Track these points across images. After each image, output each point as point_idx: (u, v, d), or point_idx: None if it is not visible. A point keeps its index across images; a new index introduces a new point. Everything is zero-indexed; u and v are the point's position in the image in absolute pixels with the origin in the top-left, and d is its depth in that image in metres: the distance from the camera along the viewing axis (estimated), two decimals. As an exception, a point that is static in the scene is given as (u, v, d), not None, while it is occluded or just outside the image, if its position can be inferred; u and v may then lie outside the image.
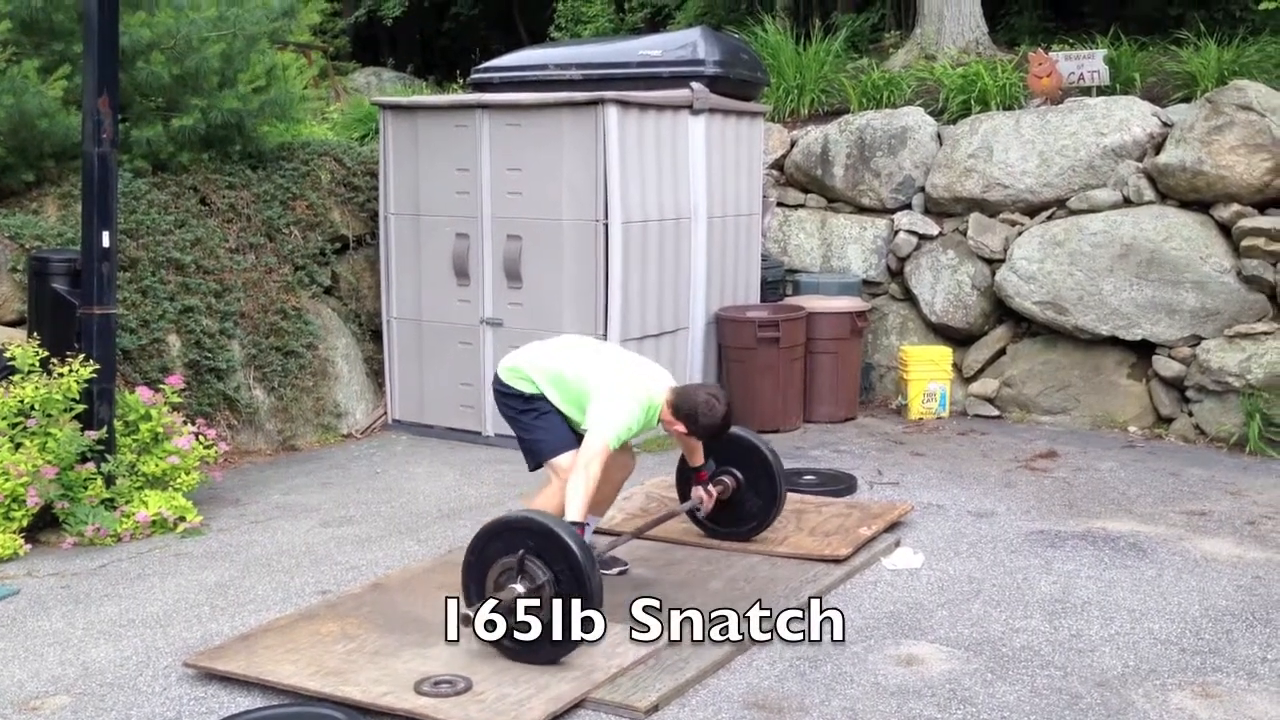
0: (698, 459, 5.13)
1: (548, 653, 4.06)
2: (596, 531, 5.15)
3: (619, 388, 4.61)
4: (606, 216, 7.04)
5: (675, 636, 4.33)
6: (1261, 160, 7.30)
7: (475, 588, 4.15)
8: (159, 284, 6.83)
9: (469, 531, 5.71)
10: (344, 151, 8.41)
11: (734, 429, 5.44)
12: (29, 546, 5.45)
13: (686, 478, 5.29)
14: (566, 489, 4.41)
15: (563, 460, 4.70)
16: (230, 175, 7.60)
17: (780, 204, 9.27)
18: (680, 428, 4.70)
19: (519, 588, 4.00)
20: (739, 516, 5.37)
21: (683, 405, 4.66)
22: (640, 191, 7.21)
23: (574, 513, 4.30)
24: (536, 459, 4.84)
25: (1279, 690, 4.04)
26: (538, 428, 4.78)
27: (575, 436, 4.75)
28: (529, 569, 4.01)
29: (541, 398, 4.77)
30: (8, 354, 5.67)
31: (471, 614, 3.97)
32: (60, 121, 6.60)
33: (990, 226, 8.35)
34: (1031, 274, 7.96)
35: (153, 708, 3.93)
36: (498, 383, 4.91)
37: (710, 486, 5.16)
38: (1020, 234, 8.18)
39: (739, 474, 5.30)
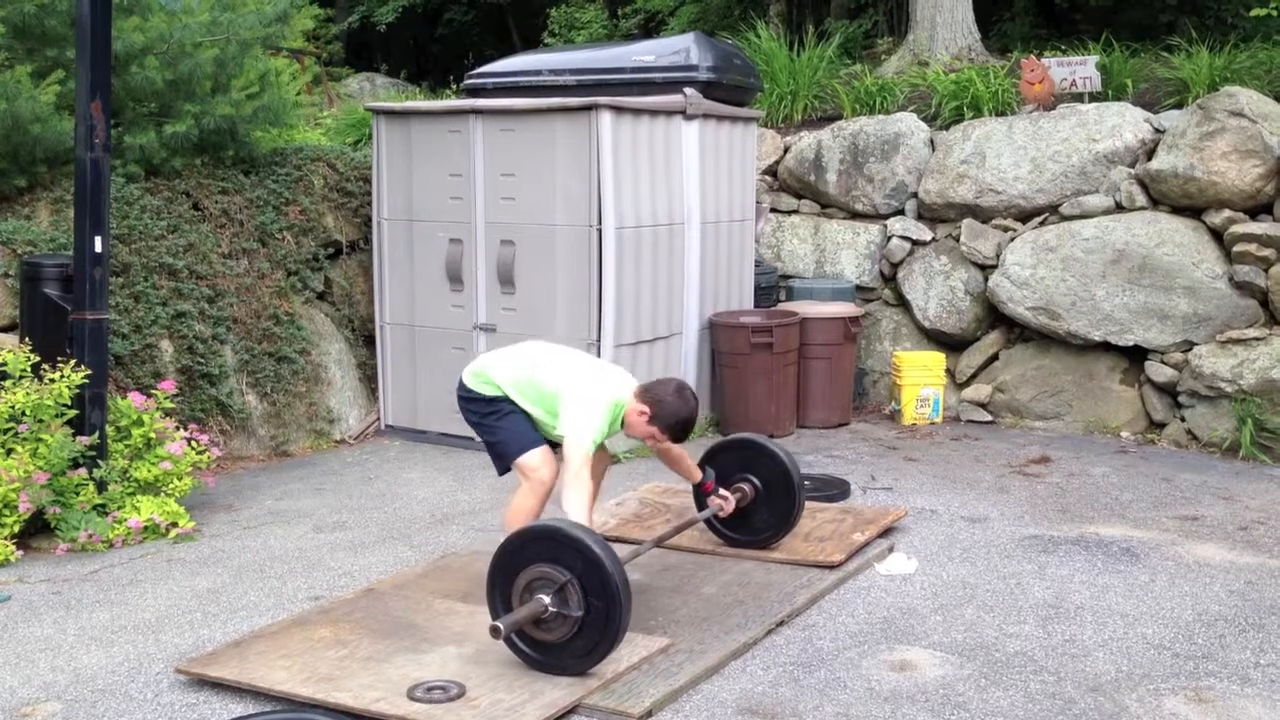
0: (694, 475, 5.15)
1: (576, 662, 4.05)
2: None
3: (587, 391, 4.63)
4: (600, 222, 7.05)
5: (669, 641, 4.33)
6: (1253, 166, 7.33)
7: (502, 587, 4.11)
8: (151, 289, 6.82)
9: (462, 537, 5.75)
10: (337, 157, 8.41)
11: (754, 437, 5.46)
12: (21, 552, 5.43)
13: (699, 492, 5.28)
14: (566, 506, 4.38)
15: (529, 459, 4.71)
16: (223, 180, 7.59)
17: (774, 209, 9.28)
18: (646, 426, 4.66)
19: (546, 599, 3.97)
20: (756, 524, 5.35)
21: (651, 398, 4.66)
22: (634, 197, 7.22)
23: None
24: (504, 461, 4.84)
25: (1272, 695, 4.04)
26: (501, 429, 4.78)
27: (540, 436, 4.76)
28: (569, 595, 3.96)
29: (504, 399, 4.77)
30: (-1, 359, 5.66)
31: (501, 626, 3.96)
32: (53, 126, 6.59)
33: (983, 232, 8.37)
34: (1024, 280, 7.98)
35: (144, 714, 3.92)
36: (461, 388, 4.91)
37: (725, 492, 5.17)
38: (1013, 240, 8.20)
39: (757, 481, 5.29)
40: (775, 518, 5.32)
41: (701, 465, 5.18)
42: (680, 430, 4.72)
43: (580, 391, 4.63)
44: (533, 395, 4.75)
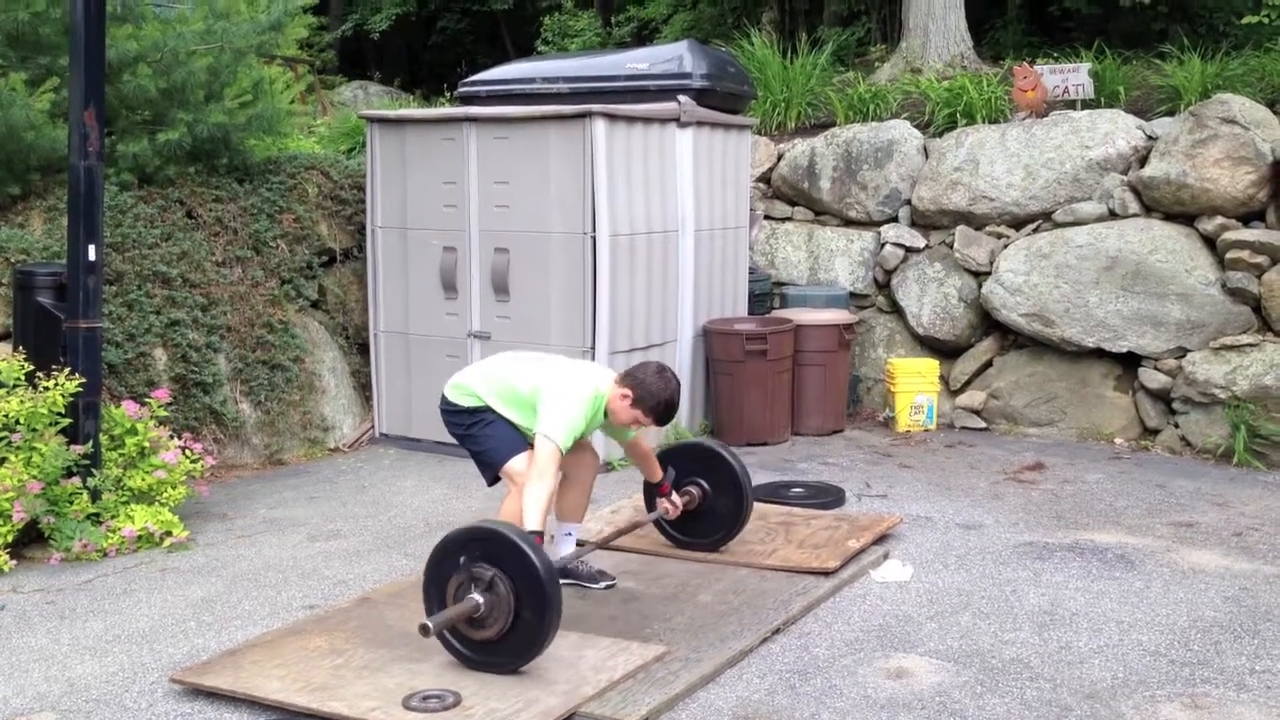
0: (656, 474, 5.18)
1: (510, 661, 4.08)
2: (579, 543, 5.15)
3: (563, 387, 4.64)
4: (594, 229, 7.05)
5: (664, 649, 4.33)
6: (1245, 173, 7.35)
7: (436, 600, 4.15)
8: (145, 297, 6.80)
9: (457, 545, 5.73)
10: (331, 165, 8.40)
11: (701, 440, 5.50)
12: (14, 562, 5.41)
13: (652, 492, 5.34)
14: (524, 499, 4.40)
15: (516, 464, 4.72)
16: (217, 188, 7.58)
17: (767, 217, 9.29)
18: (630, 410, 4.67)
19: (477, 597, 4.00)
20: (707, 527, 5.41)
21: (633, 381, 4.67)
22: (628, 204, 7.22)
23: (533, 522, 4.28)
24: (492, 470, 4.84)
25: (1267, 701, 4.05)
26: (487, 437, 4.80)
27: (526, 440, 4.77)
28: (477, 574, 4.00)
29: (485, 409, 4.80)
30: (-7, 368, 5.64)
31: (430, 624, 3.97)
32: (46, 134, 6.58)
33: (976, 239, 8.38)
34: (1018, 286, 7.99)
35: (139, 724, 3.91)
36: (443, 402, 4.93)
37: (676, 496, 5.21)
38: (1006, 247, 8.21)
39: (705, 484, 5.35)
40: (724, 521, 5.38)
41: (664, 466, 5.22)
42: (664, 411, 4.70)
43: (556, 389, 4.64)
44: (511, 399, 4.77)
